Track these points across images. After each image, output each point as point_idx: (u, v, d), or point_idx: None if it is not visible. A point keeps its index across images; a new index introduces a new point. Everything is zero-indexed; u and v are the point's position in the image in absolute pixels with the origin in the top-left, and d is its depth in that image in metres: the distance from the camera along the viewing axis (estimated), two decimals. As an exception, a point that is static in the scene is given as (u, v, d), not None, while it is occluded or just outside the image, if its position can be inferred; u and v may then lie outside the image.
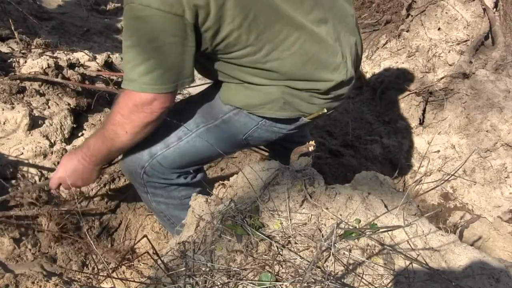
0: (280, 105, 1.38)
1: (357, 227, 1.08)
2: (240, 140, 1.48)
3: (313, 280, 0.91)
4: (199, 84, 1.72)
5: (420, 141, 2.85)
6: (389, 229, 1.07)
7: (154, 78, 1.22)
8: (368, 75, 3.11)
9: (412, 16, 3.08)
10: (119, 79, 2.42)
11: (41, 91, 1.93)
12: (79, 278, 1.51)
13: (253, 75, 1.34)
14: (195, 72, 1.34)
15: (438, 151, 2.74)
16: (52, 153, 1.75)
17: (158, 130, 1.38)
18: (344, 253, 1.03)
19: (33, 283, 1.36)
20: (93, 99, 2.05)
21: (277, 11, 1.25)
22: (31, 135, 1.75)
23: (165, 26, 1.17)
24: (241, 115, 1.42)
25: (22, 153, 1.68)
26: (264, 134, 1.48)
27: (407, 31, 3.09)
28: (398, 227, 1.04)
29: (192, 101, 1.55)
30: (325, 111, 1.43)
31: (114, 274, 1.52)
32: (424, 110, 3.02)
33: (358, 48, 1.49)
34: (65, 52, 2.37)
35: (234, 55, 1.29)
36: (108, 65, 2.48)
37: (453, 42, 2.92)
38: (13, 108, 1.77)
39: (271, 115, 1.41)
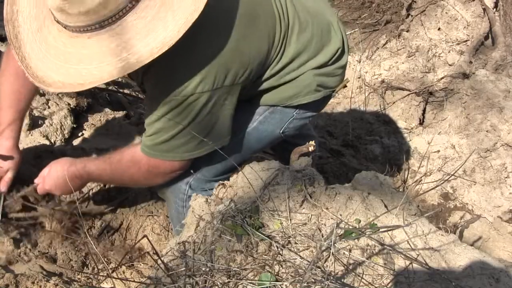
0: (314, 88, 1.42)
1: (357, 227, 1.08)
2: (277, 134, 1.52)
3: (313, 280, 0.91)
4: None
5: (420, 141, 2.85)
6: (389, 229, 1.07)
7: (190, 149, 1.25)
8: (368, 75, 3.11)
9: (412, 16, 3.08)
10: (119, 79, 2.42)
11: (41, 91, 1.93)
12: (79, 278, 1.50)
13: (280, 77, 1.36)
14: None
15: (438, 151, 2.74)
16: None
17: None
18: (344, 253, 1.03)
19: (33, 283, 1.36)
20: (93, 99, 2.05)
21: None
22: (31, 135, 1.75)
23: (210, 103, 1.18)
24: (276, 112, 1.46)
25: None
26: (299, 123, 1.53)
27: (407, 31, 3.09)
28: (398, 227, 1.04)
29: None
30: (348, 80, 1.54)
31: (114, 274, 1.52)
32: (424, 110, 3.02)
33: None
34: (65, 52, 2.36)
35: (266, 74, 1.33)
36: (108, 65, 2.47)
37: (453, 42, 2.92)
38: (13, 108, 1.77)
39: (307, 101, 1.44)
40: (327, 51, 1.42)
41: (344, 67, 1.52)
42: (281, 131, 1.51)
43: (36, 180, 1.44)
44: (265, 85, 1.37)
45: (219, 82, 1.16)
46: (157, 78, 1.15)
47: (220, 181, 1.31)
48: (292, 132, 1.56)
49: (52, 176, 1.39)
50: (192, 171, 1.38)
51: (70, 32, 0.95)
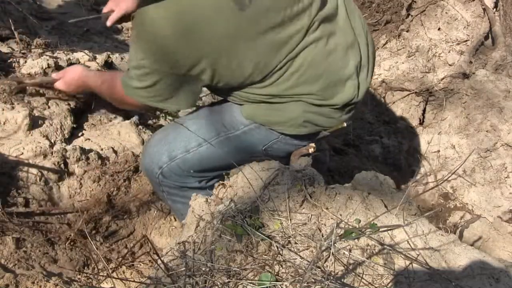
0: (300, 123, 1.38)
1: (357, 227, 1.08)
2: (259, 150, 1.49)
3: (313, 280, 0.91)
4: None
5: (420, 141, 2.85)
6: (389, 229, 1.07)
7: (157, 101, 1.33)
8: (368, 75, 3.11)
9: (412, 16, 3.08)
10: (119, 79, 2.42)
11: (41, 91, 1.93)
12: (79, 278, 1.50)
13: (271, 97, 1.34)
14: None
15: (438, 151, 2.74)
16: (52, 153, 1.75)
17: (179, 134, 1.44)
18: (344, 253, 1.03)
19: (33, 283, 1.36)
20: (93, 99, 2.05)
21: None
22: (31, 135, 1.75)
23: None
24: (262, 129, 1.43)
25: (22, 153, 1.68)
26: (284, 147, 1.48)
27: (407, 31, 3.09)
28: (398, 226, 1.04)
29: (214, 109, 1.54)
30: (345, 125, 1.43)
31: (114, 274, 1.52)
32: (424, 110, 3.02)
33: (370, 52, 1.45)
34: (65, 52, 2.36)
35: (254, 89, 1.32)
36: (108, 65, 2.47)
37: (453, 42, 2.92)
38: (13, 108, 1.77)
39: (291, 132, 1.41)
40: (332, 101, 1.36)
41: (346, 112, 1.42)
42: (263, 148, 1.47)
43: (54, 76, 1.75)
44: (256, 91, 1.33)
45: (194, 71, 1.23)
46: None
47: (220, 181, 1.31)
48: (276, 153, 1.50)
49: (67, 78, 1.70)
50: (166, 157, 1.46)
51: None
